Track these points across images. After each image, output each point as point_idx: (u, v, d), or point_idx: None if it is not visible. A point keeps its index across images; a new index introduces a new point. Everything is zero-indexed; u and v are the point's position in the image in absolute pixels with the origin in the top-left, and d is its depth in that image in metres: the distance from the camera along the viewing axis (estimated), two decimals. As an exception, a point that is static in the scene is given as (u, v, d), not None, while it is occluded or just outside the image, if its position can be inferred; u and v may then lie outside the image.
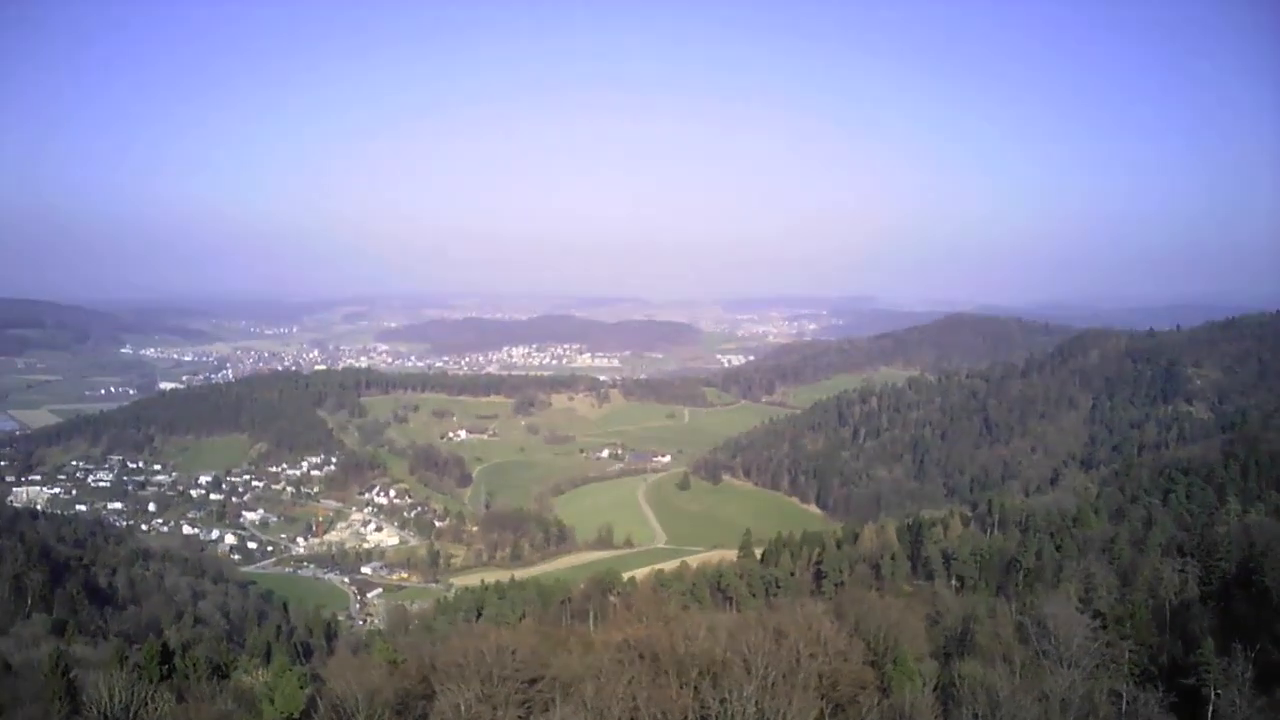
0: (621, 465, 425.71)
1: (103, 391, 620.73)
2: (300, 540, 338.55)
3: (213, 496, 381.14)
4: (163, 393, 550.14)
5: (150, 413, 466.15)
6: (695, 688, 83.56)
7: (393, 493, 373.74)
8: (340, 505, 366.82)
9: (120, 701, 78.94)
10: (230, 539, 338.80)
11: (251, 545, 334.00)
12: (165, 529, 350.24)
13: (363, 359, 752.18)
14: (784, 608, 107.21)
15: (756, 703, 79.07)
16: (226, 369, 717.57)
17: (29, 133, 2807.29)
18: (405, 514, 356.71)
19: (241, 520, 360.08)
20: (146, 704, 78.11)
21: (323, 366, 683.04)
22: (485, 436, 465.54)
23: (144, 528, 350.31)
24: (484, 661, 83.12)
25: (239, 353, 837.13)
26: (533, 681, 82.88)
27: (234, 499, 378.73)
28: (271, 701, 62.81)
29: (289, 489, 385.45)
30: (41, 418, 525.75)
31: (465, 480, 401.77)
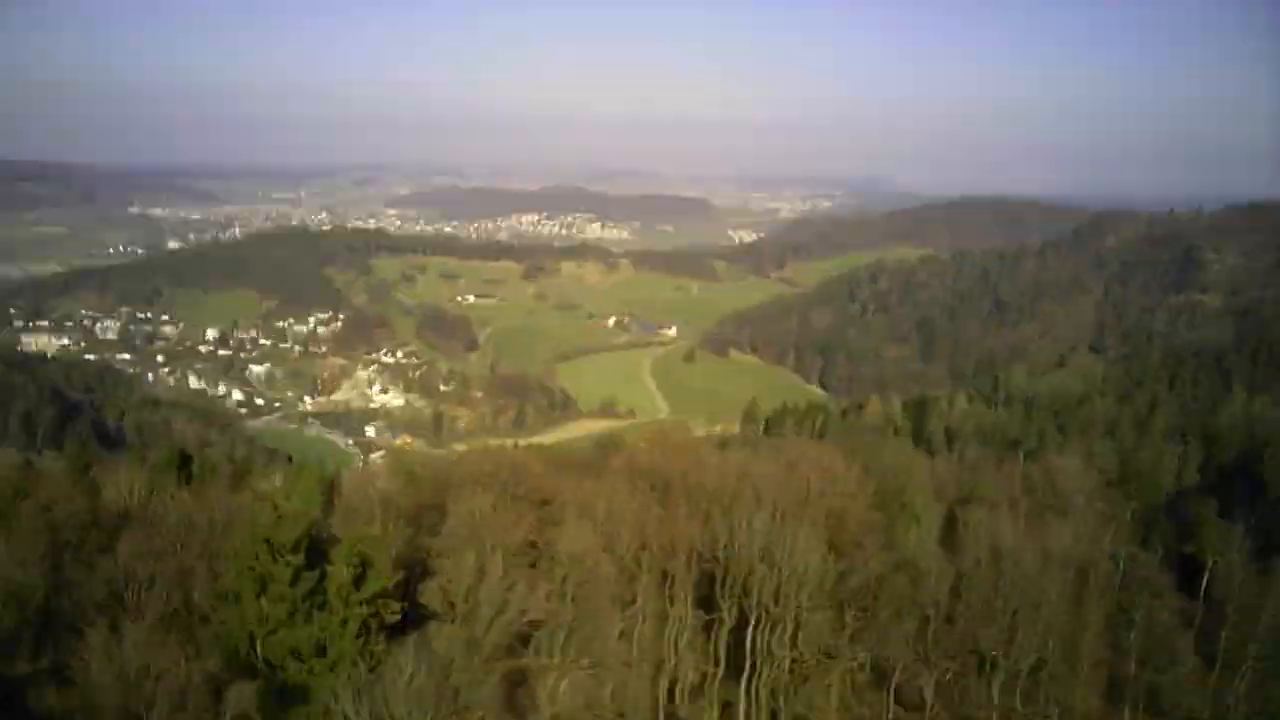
0: (628, 336, 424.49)
1: (110, 251, 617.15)
2: (306, 398, 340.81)
3: (220, 351, 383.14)
4: (171, 250, 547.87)
5: (159, 267, 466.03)
6: (705, 516, 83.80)
7: (399, 353, 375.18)
8: (346, 363, 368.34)
9: (138, 497, 79.39)
10: (237, 394, 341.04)
11: (258, 401, 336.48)
12: (172, 380, 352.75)
13: (371, 222, 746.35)
14: (797, 445, 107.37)
15: (765, 534, 79.30)
16: (234, 228, 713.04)
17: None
18: (411, 374, 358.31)
19: (248, 375, 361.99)
20: (166, 500, 78.39)
21: (330, 221, 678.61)
22: (493, 300, 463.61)
23: (151, 378, 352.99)
24: (498, 478, 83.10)
25: (247, 213, 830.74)
26: (544, 502, 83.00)
27: (241, 354, 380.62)
28: (288, 498, 62.36)
29: (296, 346, 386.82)
30: (50, 270, 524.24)
31: (472, 344, 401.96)
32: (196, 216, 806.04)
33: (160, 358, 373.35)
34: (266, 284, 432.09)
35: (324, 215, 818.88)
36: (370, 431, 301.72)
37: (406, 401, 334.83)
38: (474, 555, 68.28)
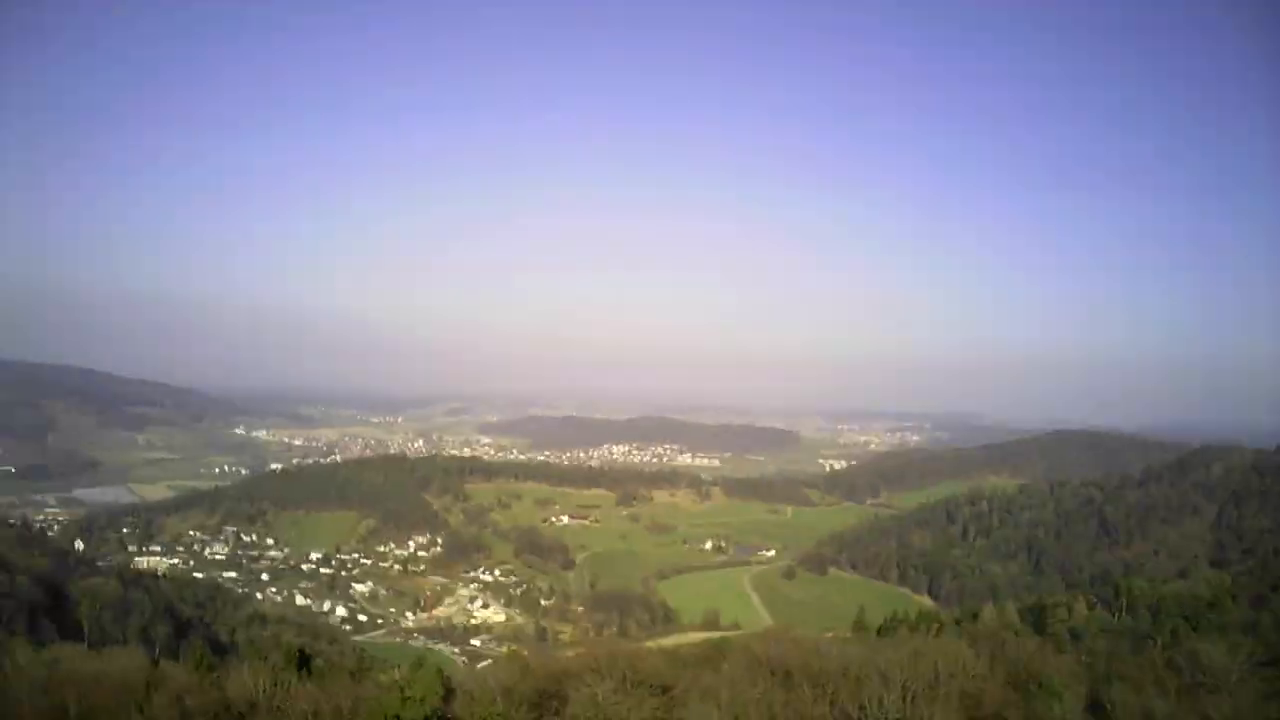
0: (725, 556, 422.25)
1: (217, 470, 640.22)
2: (409, 614, 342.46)
3: (323, 570, 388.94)
4: (274, 471, 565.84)
5: (262, 489, 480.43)
6: (832, 699, 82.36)
7: (498, 572, 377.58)
8: (446, 581, 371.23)
9: (264, 690, 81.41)
10: (341, 610, 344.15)
11: (362, 617, 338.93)
12: (279, 598, 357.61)
13: (465, 449, 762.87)
14: (918, 638, 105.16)
15: (897, 712, 77.66)
16: (335, 453, 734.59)
17: (152, 223, 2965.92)
18: (511, 591, 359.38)
19: (351, 592, 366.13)
20: (289, 690, 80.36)
21: (424, 449, 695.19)
22: (588, 523, 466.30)
23: (259, 596, 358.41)
24: (616, 667, 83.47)
25: (346, 439, 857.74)
26: (665, 689, 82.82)
27: (343, 573, 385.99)
28: (411, 686, 64.02)
29: (396, 566, 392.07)
30: (159, 492, 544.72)
31: (568, 564, 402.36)
32: (299, 441, 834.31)
33: (265, 576, 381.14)
34: (366, 506, 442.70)
35: (420, 442, 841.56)
36: (475, 643, 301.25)
37: (508, 616, 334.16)
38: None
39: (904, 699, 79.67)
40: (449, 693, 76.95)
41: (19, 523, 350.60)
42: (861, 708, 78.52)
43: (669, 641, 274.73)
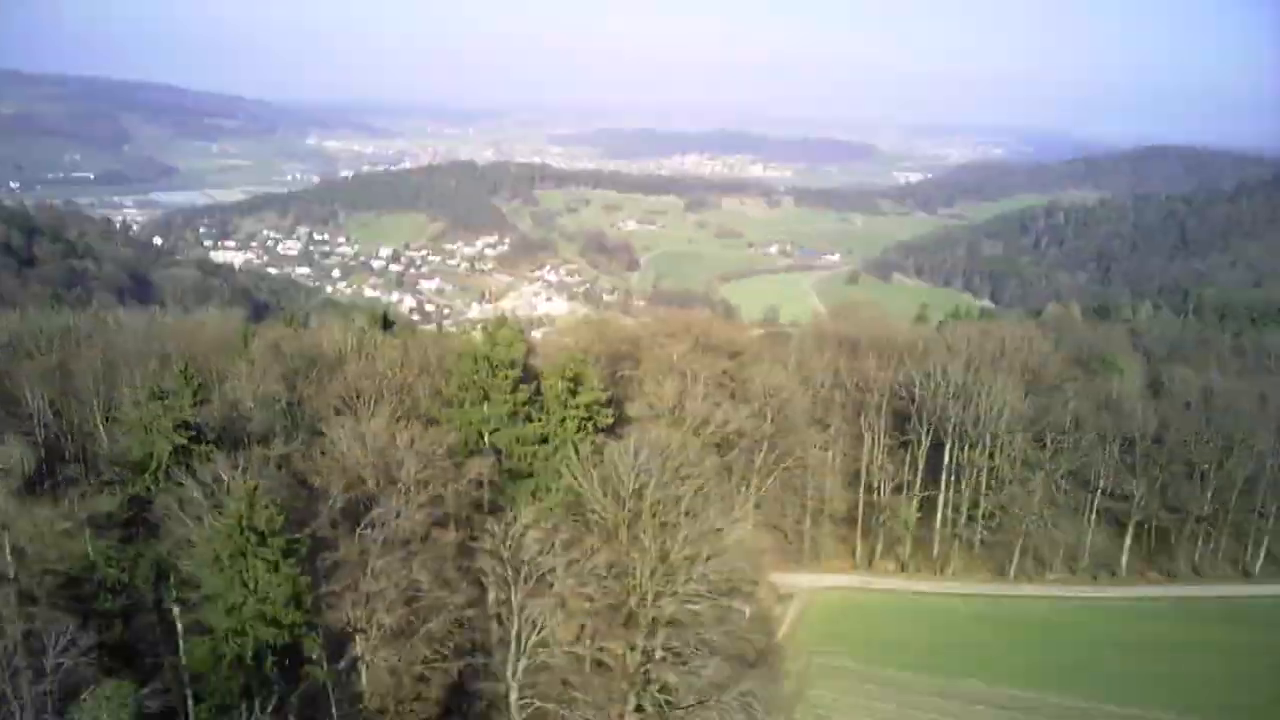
0: (790, 260, 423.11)
1: (289, 177, 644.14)
2: (474, 305, 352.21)
3: (392, 267, 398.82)
4: (345, 178, 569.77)
5: (334, 193, 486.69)
6: (897, 364, 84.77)
7: (563, 270, 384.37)
8: (511, 279, 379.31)
9: (351, 344, 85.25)
10: (409, 301, 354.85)
11: (429, 308, 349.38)
12: (348, 291, 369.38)
13: (535, 158, 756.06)
14: (984, 321, 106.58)
15: (960, 381, 79.86)
16: (405, 161, 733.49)
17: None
18: (574, 289, 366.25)
19: (419, 287, 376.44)
20: (376, 344, 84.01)
21: (496, 156, 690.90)
22: (654, 228, 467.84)
23: (329, 289, 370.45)
24: (690, 332, 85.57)
25: (417, 148, 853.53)
26: (735, 354, 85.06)
27: (412, 270, 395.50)
28: (495, 344, 66.24)
29: (464, 264, 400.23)
30: (233, 196, 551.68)
31: (633, 265, 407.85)
32: (370, 150, 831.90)
33: (336, 272, 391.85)
34: (435, 209, 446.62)
35: (490, 151, 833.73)
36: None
37: (570, 310, 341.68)
38: (676, 379, 71.34)
39: (967, 368, 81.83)
40: (529, 350, 79.67)
41: (101, 219, 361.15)
42: (927, 374, 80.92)
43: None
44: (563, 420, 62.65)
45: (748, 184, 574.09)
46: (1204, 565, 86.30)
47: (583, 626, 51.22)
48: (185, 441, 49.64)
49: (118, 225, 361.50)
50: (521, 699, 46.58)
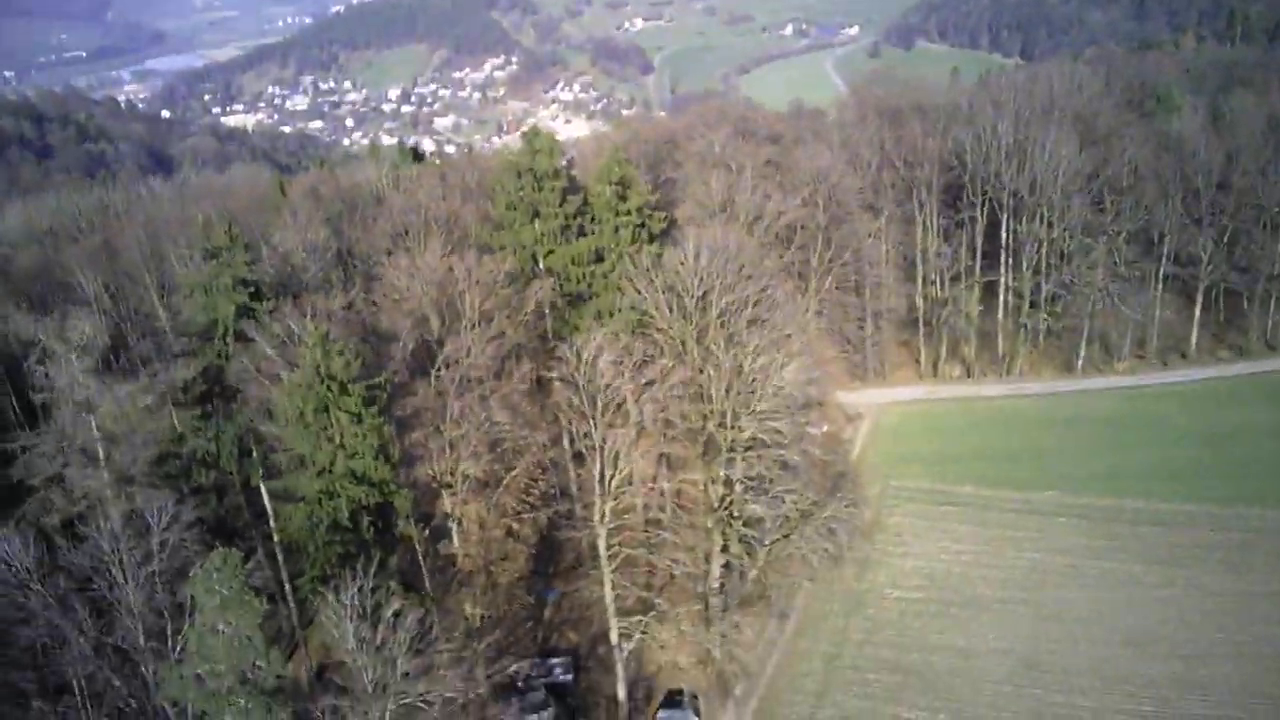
0: (807, 40, 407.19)
1: (280, 24, 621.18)
2: (495, 139, 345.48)
3: (403, 109, 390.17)
4: (337, 13, 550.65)
5: (330, 32, 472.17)
6: (945, 129, 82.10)
7: (576, 86, 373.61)
8: (526, 105, 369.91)
9: (386, 181, 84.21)
10: (428, 143, 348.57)
11: (449, 148, 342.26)
12: (364, 141, 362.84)
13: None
14: (1032, 66, 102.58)
15: (1012, 139, 77.32)
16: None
17: None
18: (591, 107, 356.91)
19: (435, 126, 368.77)
20: (413, 178, 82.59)
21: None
22: (662, 23, 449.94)
23: (345, 141, 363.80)
24: (727, 120, 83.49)
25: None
26: (776, 140, 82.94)
27: (424, 109, 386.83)
28: (535, 153, 64.16)
29: (475, 94, 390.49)
30: (228, 54, 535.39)
31: (647, 68, 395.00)
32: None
33: (350, 122, 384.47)
34: (435, 35, 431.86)
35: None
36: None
37: (591, 131, 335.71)
38: (722, 173, 69.56)
39: (1017, 123, 78.78)
40: (570, 163, 77.55)
41: (106, 99, 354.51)
42: (977, 137, 78.07)
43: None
44: (615, 230, 61.38)
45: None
46: (1277, 336, 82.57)
47: (664, 458, 50.69)
48: (247, 299, 49.19)
49: (123, 104, 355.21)
50: (609, 547, 45.26)
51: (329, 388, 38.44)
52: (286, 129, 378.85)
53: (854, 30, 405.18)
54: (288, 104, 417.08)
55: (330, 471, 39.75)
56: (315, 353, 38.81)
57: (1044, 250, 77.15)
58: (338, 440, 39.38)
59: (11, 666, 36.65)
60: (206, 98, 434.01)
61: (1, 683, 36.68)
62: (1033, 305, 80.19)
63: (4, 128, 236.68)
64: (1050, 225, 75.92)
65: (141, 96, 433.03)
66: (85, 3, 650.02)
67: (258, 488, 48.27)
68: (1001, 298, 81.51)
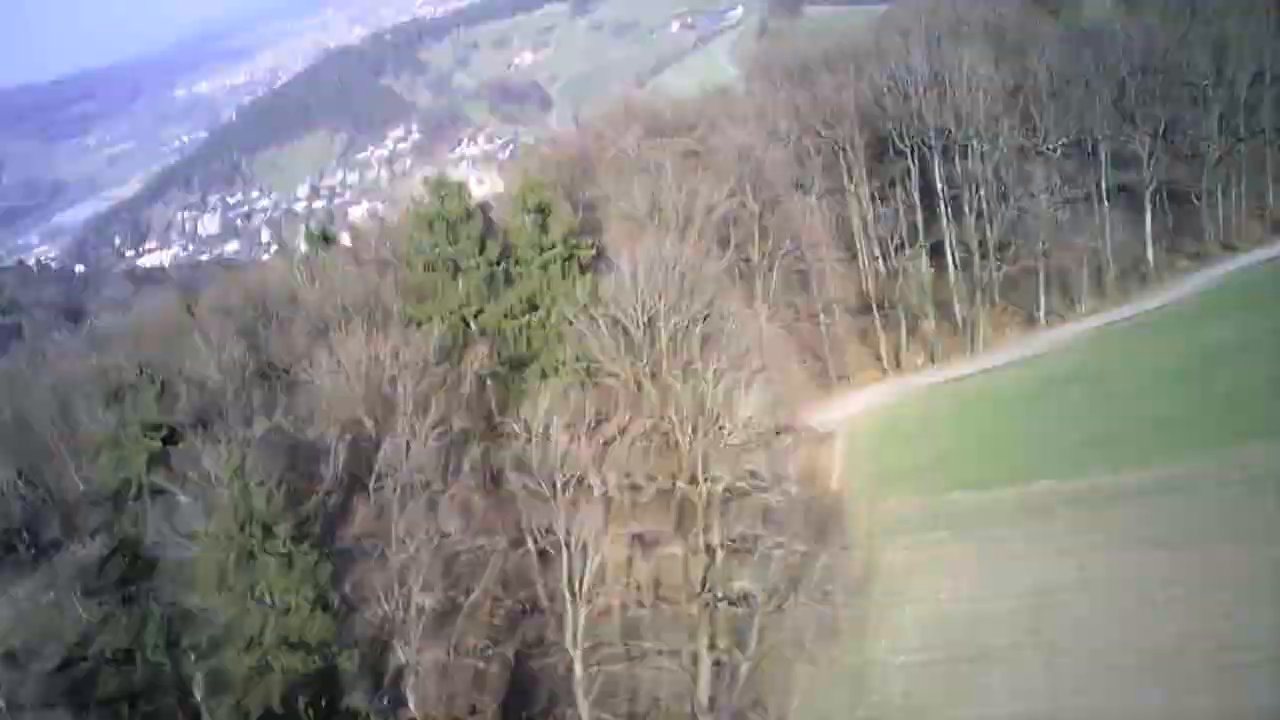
0: (694, 34, 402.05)
1: (176, 144, 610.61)
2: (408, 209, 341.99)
3: (315, 204, 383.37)
4: (231, 121, 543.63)
5: (227, 140, 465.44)
6: (856, 78, 78.91)
7: (481, 139, 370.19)
8: (438, 172, 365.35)
9: (300, 271, 79.70)
10: (346, 240, 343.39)
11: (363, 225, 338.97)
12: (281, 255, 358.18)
13: (401, 16, 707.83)
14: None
15: (928, 70, 74.35)
16: (280, 75, 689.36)
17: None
18: (499, 156, 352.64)
19: (349, 218, 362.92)
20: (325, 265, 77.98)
21: (365, 31, 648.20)
22: (550, 50, 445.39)
23: (264, 258, 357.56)
24: (636, 118, 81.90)
25: (286, 55, 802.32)
26: (690, 128, 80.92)
27: (335, 201, 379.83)
28: (442, 197, 60.23)
29: (383, 172, 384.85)
30: (133, 188, 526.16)
31: (547, 103, 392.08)
32: (242, 79, 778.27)
33: (265, 234, 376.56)
34: (332, 119, 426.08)
35: (358, 28, 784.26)
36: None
37: (505, 183, 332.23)
38: (643, 176, 65.36)
39: (929, 54, 75.26)
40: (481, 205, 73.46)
41: (15, 265, 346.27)
42: (891, 76, 74.42)
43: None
44: (544, 268, 56.85)
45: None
46: (1231, 233, 78.65)
47: (637, 539, 46.53)
48: (160, 445, 43.89)
49: (34, 266, 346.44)
50: (587, 667, 41.14)
51: (250, 533, 32.86)
52: (204, 256, 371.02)
53: (738, 11, 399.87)
54: (199, 228, 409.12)
55: (260, 642, 34.28)
56: (232, 490, 33.58)
57: (983, 192, 73.28)
58: (267, 596, 33.67)
59: None
60: (118, 241, 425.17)
61: None
62: (982, 256, 76.33)
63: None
64: (983, 158, 72.29)
65: (51, 256, 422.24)
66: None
67: (190, 675, 40.73)
68: (950, 256, 77.92)
